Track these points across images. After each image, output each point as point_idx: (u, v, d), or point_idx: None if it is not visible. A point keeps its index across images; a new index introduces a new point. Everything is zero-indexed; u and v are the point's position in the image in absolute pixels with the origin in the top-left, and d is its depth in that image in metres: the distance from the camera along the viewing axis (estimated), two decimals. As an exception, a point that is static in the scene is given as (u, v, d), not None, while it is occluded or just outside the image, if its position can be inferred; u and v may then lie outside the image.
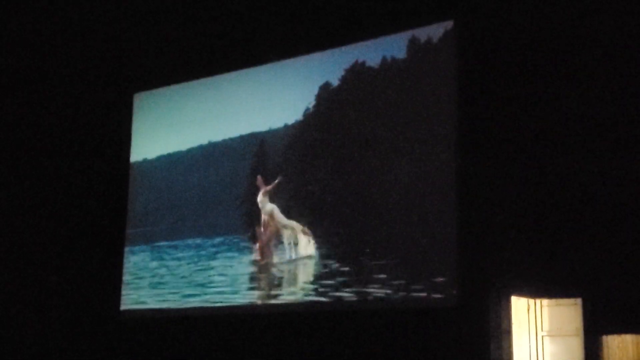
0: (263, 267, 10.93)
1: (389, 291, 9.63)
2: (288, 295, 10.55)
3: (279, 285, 10.72)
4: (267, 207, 10.96)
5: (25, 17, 12.57)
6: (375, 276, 9.77)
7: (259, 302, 10.84)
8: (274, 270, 10.82)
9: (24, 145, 12.80)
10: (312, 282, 10.35)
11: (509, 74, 9.36)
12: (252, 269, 11.02)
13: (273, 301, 10.69)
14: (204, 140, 11.95)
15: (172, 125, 12.31)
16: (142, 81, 12.68)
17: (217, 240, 11.49)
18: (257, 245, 10.99)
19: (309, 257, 10.40)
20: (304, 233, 10.51)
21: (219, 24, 11.84)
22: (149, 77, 12.59)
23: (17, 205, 12.66)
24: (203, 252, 11.59)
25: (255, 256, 11.00)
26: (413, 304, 9.48)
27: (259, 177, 11.11)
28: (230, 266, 11.20)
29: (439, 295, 9.28)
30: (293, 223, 10.69)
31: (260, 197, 11.04)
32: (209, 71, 11.97)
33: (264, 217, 10.98)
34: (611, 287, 8.38)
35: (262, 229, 10.97)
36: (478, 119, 9.42)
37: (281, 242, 10.77)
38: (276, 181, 10.95)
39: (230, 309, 10.99)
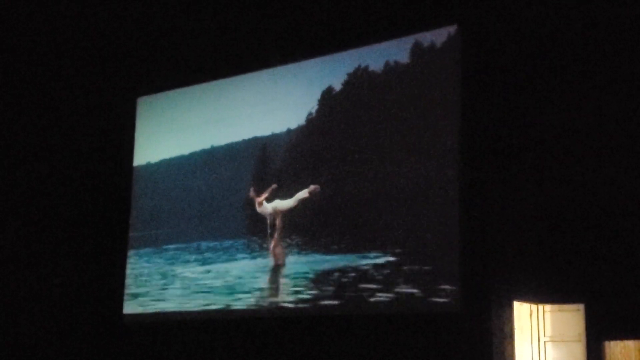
0: (272, 270, 10.91)
1: (392, 296, 9.62)
2: (291, 299, 10.53)
3: (283, 290, 10.71)
4: (269, 208, 10.95)
5: (28, 21, 12.59)
6: (378, 281, 9.75)
7: (265, 305, 10.79)
8: (280, 274, 10.81)
9: (27, 149, 12.80)
10: (314, 287, 10.33)
11: (512, 78, 9.35)
12: (257, 272, 11.00)
13: (277, 305, 10.66)
14: (206, 145, 11.95)
15: (175, 130, 12.33)
16: (146, 85, 12.70)
17: (219, 244, 11.48)
18: (270, 248, 10.95)
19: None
20: (311, 192, 10.47)
21: (222, 29, 11.87)
22: (152, 81, 12.61)
23: (21, 208, 12.65)
24: (206, 256, 11.58)
25: (268, 260, 10.96)
26: (416, 309, 9.46)
27: (251, 190, 11.11)
28: (235, 269, 11.19)
29: (442, 301, 9.26)
30: (299, 194, 10.66)
31: (258, 208, 11.03)
32: (212, 75, 11.99)
33: (269, 220, 10.96)
34: (613, 293, 8.37)
35: (269, 235, 10.95)
36: (481, 124, 9.40)
37: (290, 245, 10.73)
38: (270, 188, 10.95)
39: (235, 313, 10.96)
